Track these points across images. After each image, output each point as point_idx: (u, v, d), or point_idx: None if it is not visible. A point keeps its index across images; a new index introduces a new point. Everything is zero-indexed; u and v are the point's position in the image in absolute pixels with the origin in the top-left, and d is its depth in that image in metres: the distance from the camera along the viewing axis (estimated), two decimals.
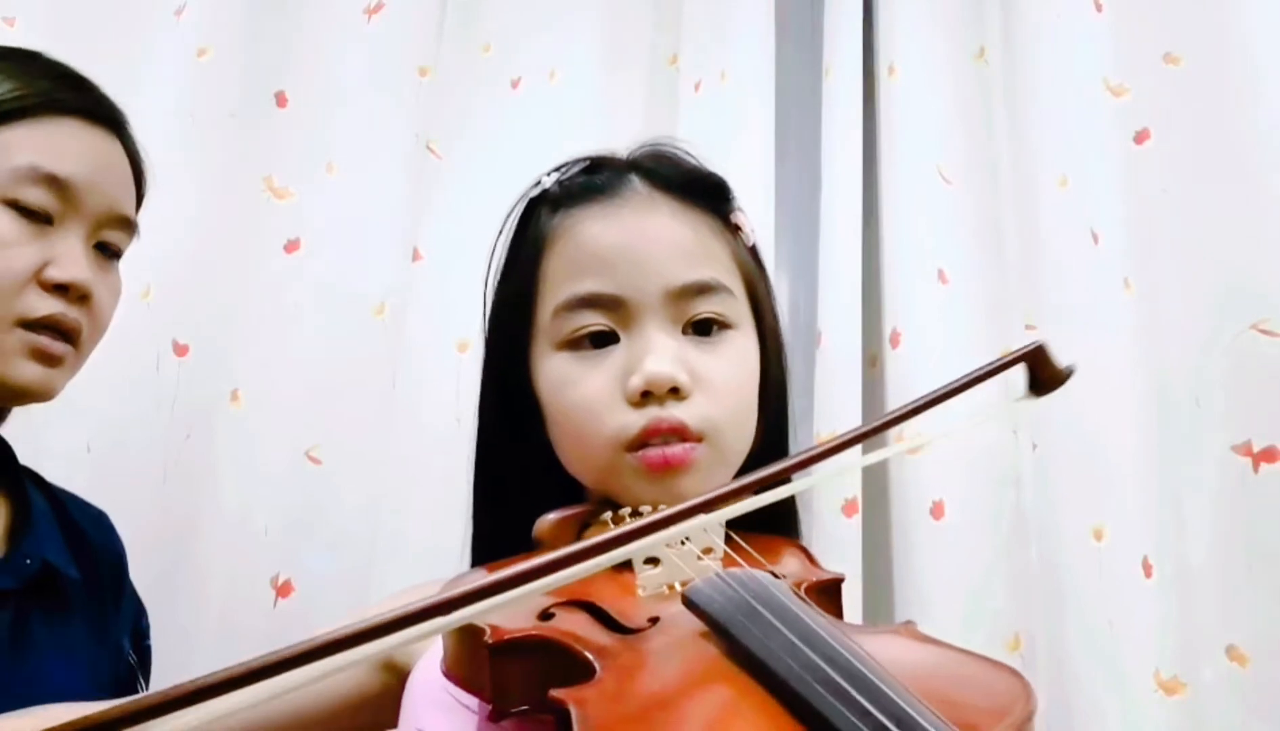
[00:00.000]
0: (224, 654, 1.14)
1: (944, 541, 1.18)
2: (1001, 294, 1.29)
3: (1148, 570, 1.13)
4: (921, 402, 0.54)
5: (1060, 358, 0.59)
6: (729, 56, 1.35)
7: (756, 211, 1.27)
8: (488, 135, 1.37)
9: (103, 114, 0.85)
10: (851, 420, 1.21)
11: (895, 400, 1.23)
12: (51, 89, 0.82)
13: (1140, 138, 1.27)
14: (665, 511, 0.46)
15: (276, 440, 1.23)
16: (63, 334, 0.80)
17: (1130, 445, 1.17)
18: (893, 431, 0.60)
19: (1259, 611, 1.11)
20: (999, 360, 0.57)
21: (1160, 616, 1.13)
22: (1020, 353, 0.58)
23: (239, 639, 1.16)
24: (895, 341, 1.24)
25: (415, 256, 1.32)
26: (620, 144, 0.81)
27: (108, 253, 0.85)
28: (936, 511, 1.18)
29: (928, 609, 1.15)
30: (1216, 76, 1.22)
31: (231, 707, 0.35)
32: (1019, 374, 0.59)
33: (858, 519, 1.18)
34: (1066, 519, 1.17)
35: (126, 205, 0.86)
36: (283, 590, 1.20)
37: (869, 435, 0.54)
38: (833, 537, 1.17)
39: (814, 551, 0.69)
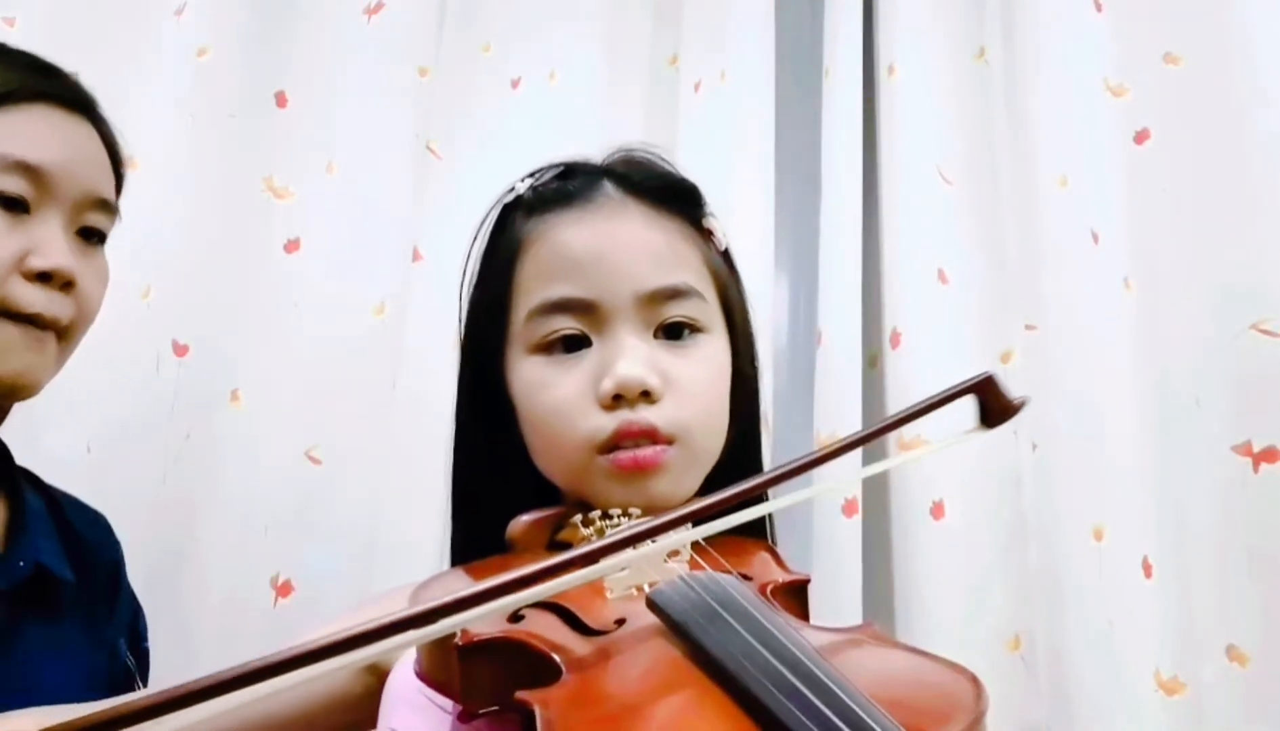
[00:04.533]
0: (224, 653, 1.14)
1: (944, 541, 1.17)
2: (1001, 294, 1.28)
3: (1148, 570, 1.13)
4: (871, 431, 0.56)
5: (1011, 389, 0.59)
6: (729, 56, 1.35)
7: (756, 211, 1.27)
8: (488, 135, 1.36)
9: (73, 99, 0.83)
10: (851, 420, 1.21)
11: (895, 400, 1.23)
12: (19, 76, 0.81)
13: (1140, 138, 1.27)
14: (644, 524, 0.48)
15: (276, 440, 1.23)
16: (49, 325, 0.79)
17: (1130, 445, 1.17)
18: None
19: (1259, 611, 1.11)
20: (947, 391, 0.58)
21: (1160, 616, 1.13)
22: (968, 384, 0.58)
23: (239, 638, 1.17)
24: (895, 341, 1.24)
25: (415, 256, 1.32)
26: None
27: (91, 237, 0.84)
28: (936, 511, 1.18)
29: (928, 608, 1.15)
30: (1217, 76, 1.22)
31: (213, 713, 0.36)
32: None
33: (858, 519, 1.18)
34: (1066, 519, 1.17)
35: (104, 188, 0.84)
36: (283, 589, 1.20)
37: (819, 461, 0.55)
38: (833, 537, 1.17)
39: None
